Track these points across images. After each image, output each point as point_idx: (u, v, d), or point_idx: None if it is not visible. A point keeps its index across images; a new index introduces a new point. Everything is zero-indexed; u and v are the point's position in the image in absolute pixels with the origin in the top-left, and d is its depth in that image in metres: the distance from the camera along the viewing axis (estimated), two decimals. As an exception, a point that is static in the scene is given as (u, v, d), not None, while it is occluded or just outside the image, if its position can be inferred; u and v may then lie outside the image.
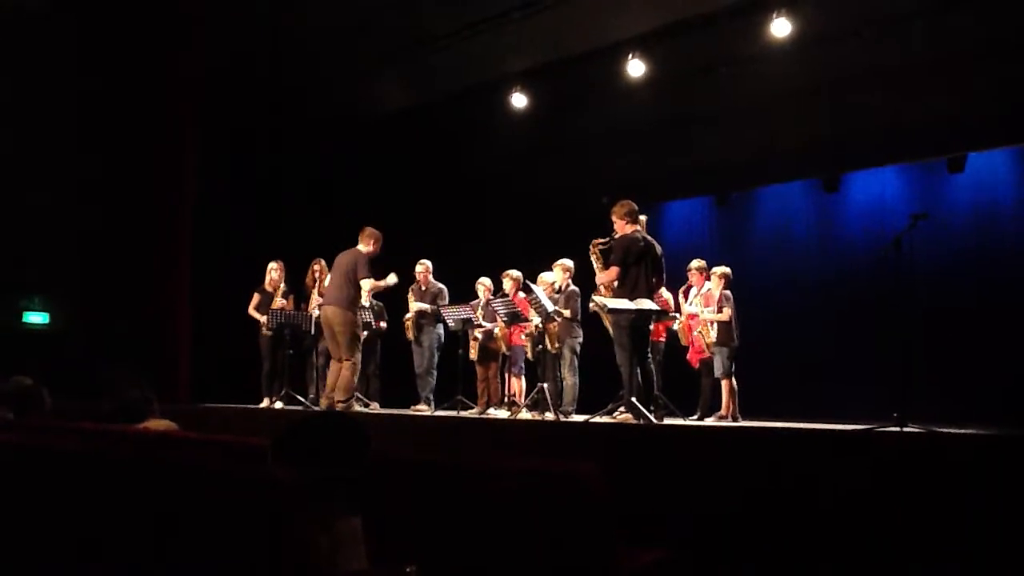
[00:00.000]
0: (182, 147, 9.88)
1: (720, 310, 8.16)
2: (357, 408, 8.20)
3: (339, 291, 8.00)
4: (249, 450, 2.84)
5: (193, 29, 9.68)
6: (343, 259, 8.11)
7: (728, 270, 8.32)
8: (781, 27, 8.41)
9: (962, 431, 5.30)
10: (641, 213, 7.13)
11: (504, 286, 8.78)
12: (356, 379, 8.07)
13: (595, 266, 7.17)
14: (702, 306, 8.32)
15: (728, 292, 8.23)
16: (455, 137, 11.46)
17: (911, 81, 8.68)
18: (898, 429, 5.21)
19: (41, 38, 9.09)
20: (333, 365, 8.10)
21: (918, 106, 8.77)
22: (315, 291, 9.20)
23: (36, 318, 9.62)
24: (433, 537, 2.52)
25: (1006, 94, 8.32)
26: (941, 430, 5.22)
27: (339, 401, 7.85)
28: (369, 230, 8.16)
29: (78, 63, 9.29)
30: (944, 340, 8.77)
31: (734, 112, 9.86)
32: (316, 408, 8.39)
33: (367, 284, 8.02)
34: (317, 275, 9.24)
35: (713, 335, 8.16)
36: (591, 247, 7.21)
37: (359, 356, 8.08)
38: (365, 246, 8.11)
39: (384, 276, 8.22)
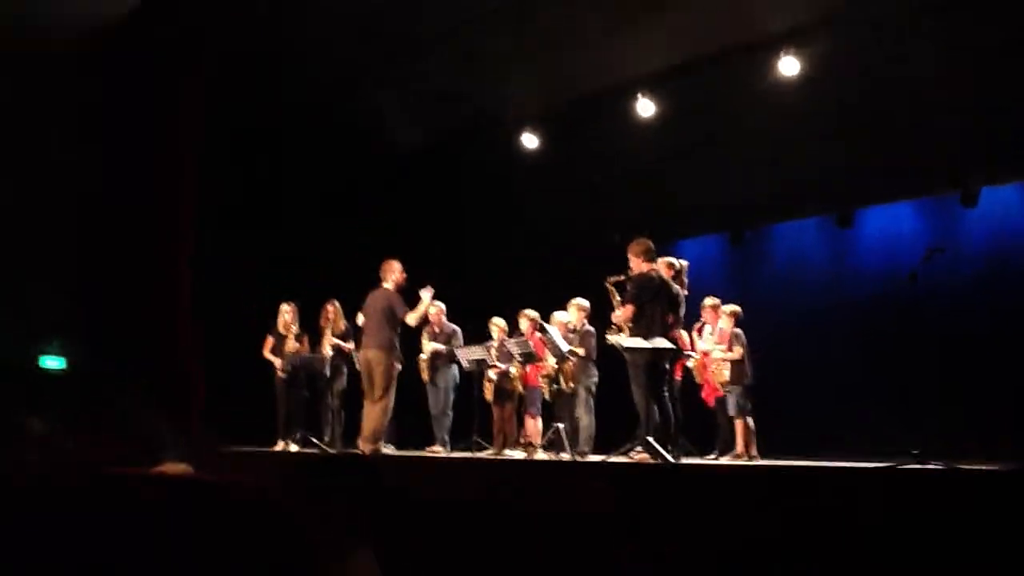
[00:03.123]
0: (191, 192, 9.99)
1: (730, 348, 8.13)
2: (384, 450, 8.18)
3: (379, 334, 7.98)
4: (264, 492, 2.83)
5: (196, 45, 9.76)
6: (376, 301, 8.08)
7: (738, 308, 8.33)
8: (789, 65, 8.47)
9: (982, 467, 5.24)
10: (660, 253, 7.17)
11: (521, 326, 8.79)
12: (387, 421, 8.07)
13: (613, 303, 7.19)
14: (715, 344, 8.30)
15: (738, 330, 8.22)
16: (468, 178, 11.53)
17: (923, 116, 8.70)
18: (919, 466, 5.16)
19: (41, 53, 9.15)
20: (368, 407, 8.07)
21: (931, 141, 8.77)
22: (328, 332, 9.22)
23: (53, 363, 9.66)
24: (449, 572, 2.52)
25: (1018, 128, 8.32)
26: (962, 467, 5.17)
27: (367, 443, 7.85)
28: (389, 263, 8.17)
29: (77, 72, 9.35)
30: (962, 374, 8.70)
31: (746, 150, 9.88)
32: (332, 450, 8.36)
33: (412, 320, 8.02)
34: (331, 316, 9.26)
35: (726, 374, 8.13)
36: (606, 283, 7.25)
37: (392, 398, 8.07)
38: (391, 282, 8.12)
39: (414, 306, 8.08)
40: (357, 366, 8.96)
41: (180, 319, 9.78)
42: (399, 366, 9.52)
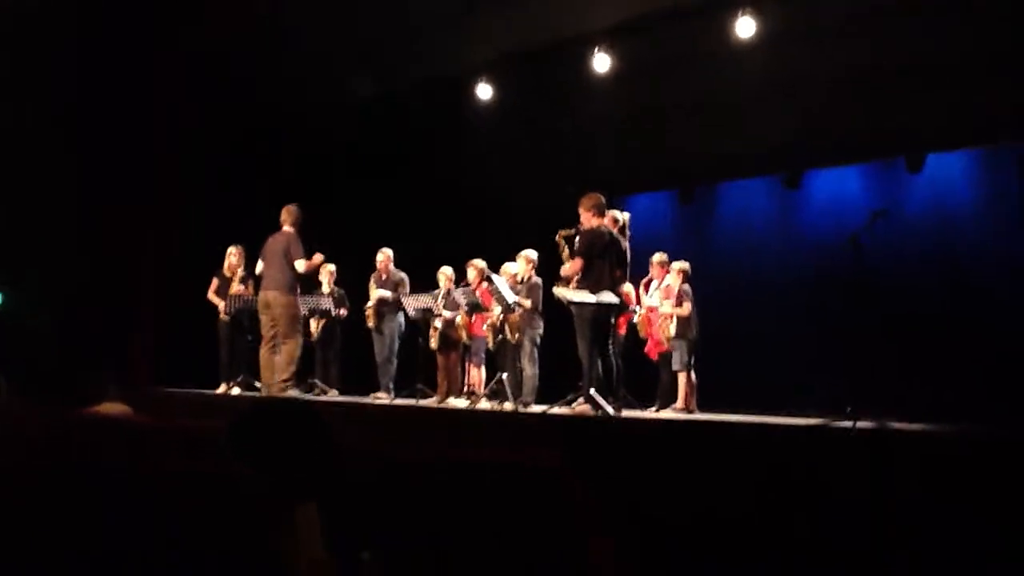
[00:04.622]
0: (154, 132, 9.85)
1: (679, 304, 8.22)
2: (320, 395, 8.17)
3: (279, 275, 8.06)
4: (205, 437, 2.81)
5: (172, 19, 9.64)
6: (275, 244, 8.16)
7: (687, 265, 8.40)
8: (746, 26, 8.47)
9: (913, 427, 5.39)
10: (609, 207, 7.18)
11: (468, 275, 8.78)
12: (298, 358, 8.09)
13: (562, 256, 7.21)
14: (661, 299, 8.39)
15: (687, 287, 8.31)
16: (422, 128, 11.42)
17: (873, 82, 8.78)
18: (851, 424, 5.29)
19: (25, 43, 8.99)
20: (264, 353, 8.11)
21: (879, 106, 8.87)
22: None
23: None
24: (392, 526, 2.52)
25: (965, 97, 8.45)
26: (893, 426, 5.30)
27: (281, 380, 7.88)
28: (289, 207, 8.29)
29: (61, 62, 9.22)
30: (901, 336, 8.89)
31: (698, 108, 9.90)
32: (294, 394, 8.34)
33: (302, 265, 8.07)
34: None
35: (672, 329, 8.23)
36: (557, 236, 7.26)
37: (300, 337, 8.14)
38: (291, 225, 8.18)
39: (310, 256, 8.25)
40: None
41: (129, 260, 9.68)
42: (344, 312, 9.52)
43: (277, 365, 7.99)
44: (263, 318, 8.17)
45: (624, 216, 7.48)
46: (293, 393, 8.09)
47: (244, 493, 2.04)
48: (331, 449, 2.42)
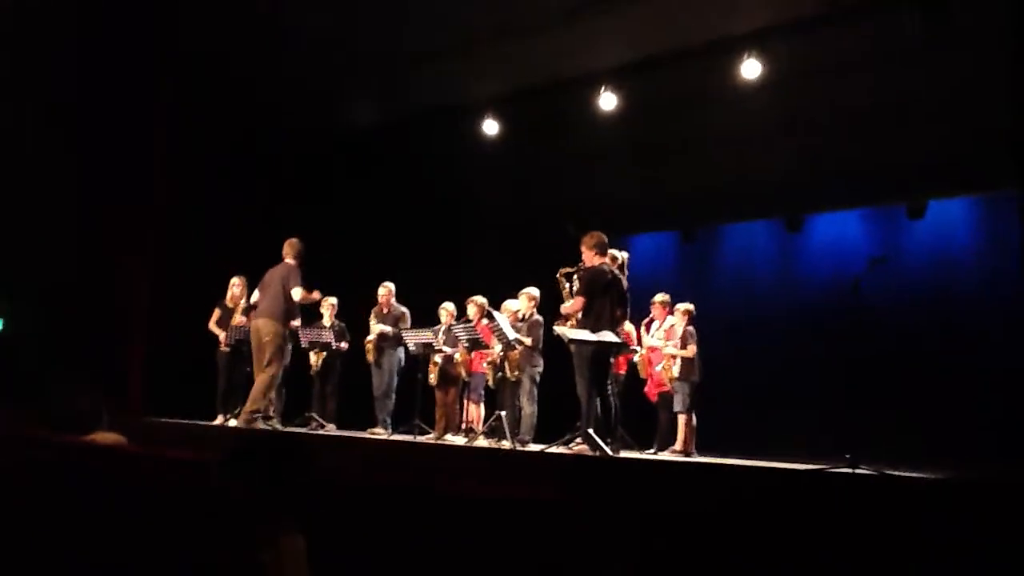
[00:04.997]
0: (153, 155, 9.88)
1: (684, 346, 8.20)
2: (317, 429, 8.12)
3: (273, 303, 8.09)
4: (196, 467, 2.80)
5: (170, 43, 9.72)
6: (274, 273, 8.22)
7: (691, 306, 8.40)
8: (751, 68, 8.53)
9: (912, 474, 5.35)
10: (611, 246, 7.19)
11: (468, 312, 8.77)
12: (271, 392, 8.12)
13: (563, 294, 7.21)
14: (664, 340, 8.37)
15: (692, 328, 8.29)
16: (426, 161, 11.48)
17: (875, 127, 8.83)
18: (850, 470, 5.25)
19: (25, 43, 9.07)
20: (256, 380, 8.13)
21: (881, 152, 8.92)
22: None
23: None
24: (381, 558, 2.50)
25: (966, 144, 8.49)
26: (892, 473, 5.27)
27: (248, 411, 7.85)
28: (291, 240, 8.34)
29: (61, 62, 9.30)
30: (900, 382, 8.87)
31: (702, 149, 9.96)
32: (270, 428, 8.30)
33: (298, 293, 8.10)
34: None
35: (676, 371, 8.20)
36: (557, 274, 7.26)
37: (279, 369, 8.17)
38: (292, 258, 8.24)
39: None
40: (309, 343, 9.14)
41: (126, 288, 9.67)
42: (344, 345, 9.50)
43: (250, 394, 7.98)
44: (253, 344, 8.18)
45: (623, 255, 7.49)
46: (260, 426, 7.99)
47: (233, 520, 2.03)
48: (315, 479, 2.41)
